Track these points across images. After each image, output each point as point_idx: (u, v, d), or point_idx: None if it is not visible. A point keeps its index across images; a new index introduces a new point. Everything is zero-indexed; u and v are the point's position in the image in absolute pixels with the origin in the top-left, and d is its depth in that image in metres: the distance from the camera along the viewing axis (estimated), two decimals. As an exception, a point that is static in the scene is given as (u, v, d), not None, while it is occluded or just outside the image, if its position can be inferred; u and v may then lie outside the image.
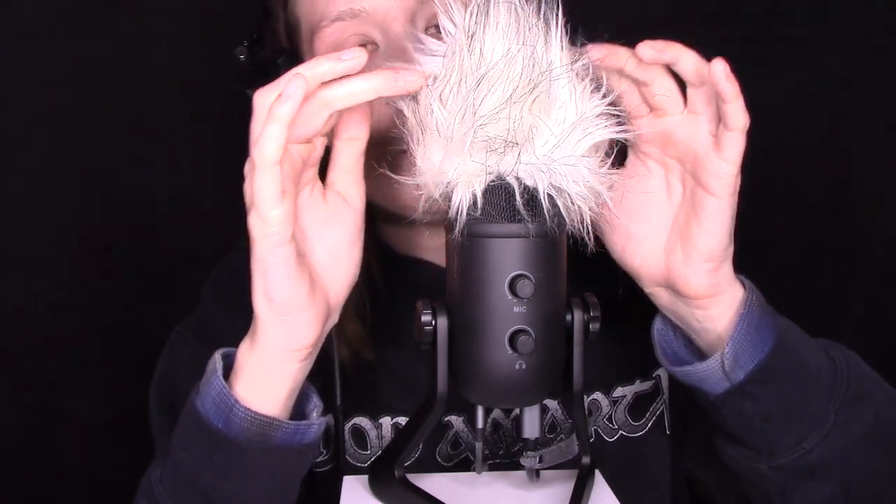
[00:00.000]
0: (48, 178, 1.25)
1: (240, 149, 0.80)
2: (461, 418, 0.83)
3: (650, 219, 0.66)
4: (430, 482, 0.70)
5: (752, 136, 0.60)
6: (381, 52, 0.75)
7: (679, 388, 0.84)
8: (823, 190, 1.38)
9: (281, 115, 0.56)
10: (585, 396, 0.82)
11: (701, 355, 0.68)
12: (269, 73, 0.78)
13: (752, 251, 0.71)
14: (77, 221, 1.27)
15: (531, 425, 0.65)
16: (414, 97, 0.59)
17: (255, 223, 0.58)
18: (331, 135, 0.63)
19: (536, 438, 0.65)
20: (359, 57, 0.58)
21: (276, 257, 0.59)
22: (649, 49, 0.60)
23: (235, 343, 0.68)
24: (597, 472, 0.70)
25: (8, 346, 1.27)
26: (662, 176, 0.66)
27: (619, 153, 0.62)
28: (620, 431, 0.85)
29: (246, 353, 0.64)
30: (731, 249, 0.65)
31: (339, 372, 0.78)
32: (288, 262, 0.59)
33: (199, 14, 1.23)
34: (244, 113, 0.77)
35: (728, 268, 0.66)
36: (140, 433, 0.86)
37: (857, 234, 1.39)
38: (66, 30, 1.23)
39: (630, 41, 0.61)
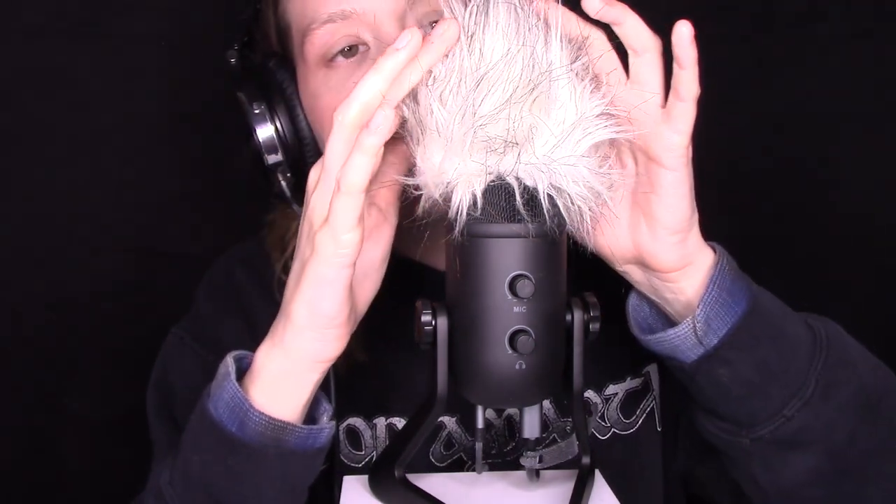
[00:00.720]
0: (47, 178, 1.25)
1: (239, 149, 0.80)
2: (454, 419, 0.83)
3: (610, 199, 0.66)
4: (430, 482, 0.70)
5: (752, 135, 0.60)
6: (371, 53, 0.75)
7: (670, 384, 0.85)
8: (822, 189, 1.38)
9: (369, 146, 0.56)
10: None
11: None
12: (259, 76, 0.78)
13: (749, 251, 0.71)
14: (76, 221, 1.27)
15: (531, 425, 0.65)
16: (414, 97, 0.59)
17: (325, 241, 0.58)
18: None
19: (537, 438, 0.65)
20: (413, 38, 0.57)
21: (337, 276, 0.59)
22: (597, 0, 0.59)
23: (231, 344, 0.68)
24: (597, 472, 0.70)
25: (8, 346, 1.27)
26: (613, 155, 0.65)
27: None
28: (613, 429, 0.85)
29: (266, 359, 0.64)
30: (696, 217, 0.65)
31: (333, 372, 0.78)
32: (347, 282, 0.60)
33: (199, 15, 1.23)
34: (242, 114, 0.77)
35: (695, 236, 0.65)
36: (140, 433, 0.86)
37: (857, 234, 1.39)
38: (66, 30, 1.23)
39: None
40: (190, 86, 1.24)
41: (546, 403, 0.83)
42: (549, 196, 0.57)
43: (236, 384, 0.64)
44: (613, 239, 0.66)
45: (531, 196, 0.57)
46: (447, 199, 0.58)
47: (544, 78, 0.56)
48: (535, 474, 0.71)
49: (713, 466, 0.79)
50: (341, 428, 0.83)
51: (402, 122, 0.60)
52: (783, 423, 0.65)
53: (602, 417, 0.85)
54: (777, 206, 1.36)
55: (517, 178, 0.57)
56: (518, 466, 0.68)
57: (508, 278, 0.58)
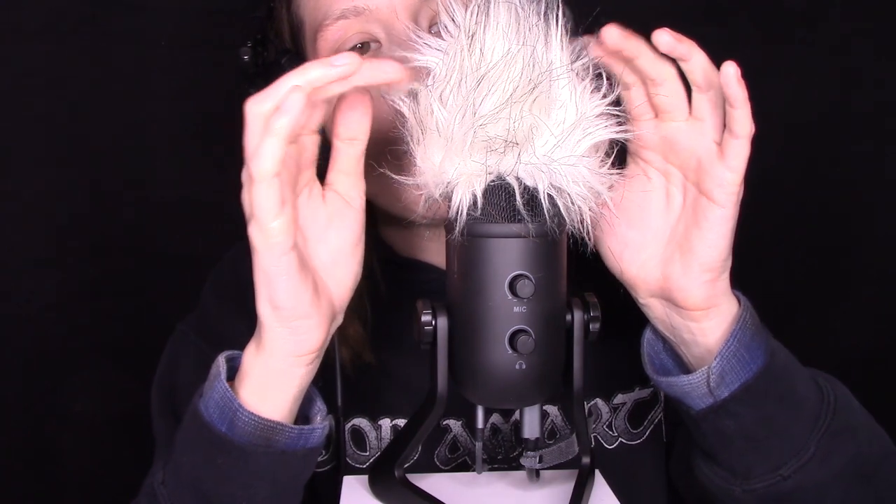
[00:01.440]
0: (48, 178, 1.25)
1: (240, 149, 0.80)
2: (460, 422, 0.83)
3: (648, 227, 0.65)
4: (429, 482, 0.70)
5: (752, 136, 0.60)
6: (383, 49, 0.75)
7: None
8: (823, 192, 1.38)
9: (279, 128, 0.55)
10: (586, 402, 0.82)
11: (687, 370, 0.68)
12: (272, 73, 0.78)
13: (748, 252, 0.71)
14: (77, 221, 1.27)
15: (531, 426, 0.65)
16: (414, 97, 0.59)
17: (255, 234, 0.57)
18: (329, 133, 0.63)
19: (537, 439, 0.65)
20: (351, 62, 0.57)
21: (279, 266, 0.58)
22: (667, 35, 0.58)
23: (237, 342, 0.68)
24: (597, 472, 0.70)
25: (8, 346, 1.27)
26: (663, 184, 0.65)
27: (618, 156, 0.61)
28: (620, 439, 0.85)
29: (252, 359, 0.64)
30: (729, 261, 0.64)
31: (340, 373, 0.78)
32: (291, 270, 0.59)
33: (200, 15, 1.23)
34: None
35: (725, 280, 0.65)
36: (140, 433, 0.86)
37: (857, 236, 1.40)
38: (67, 31, 1.23)
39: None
40: (191, 86, 1.24)
41: (553, 410, 0.83)
42: (550, 196, 0.57)
43: (226, 384, 0.64)
44: (642, 267, 0.66)
45: (531, 196, 0.57)
46: (447, 199, 0.58)
47: (545, 77, 0.56)
48: (535, 474, 0.71)
49: (696, 493, 0.78)
50: (346, 429, 0.83)
51: (403, 122, 0.60)
52: (778, 482, 0.65)
53: (609, 426, 0.84)
54: (775, 208, 1.36)
55: (517, 178, 0.57)
56: (525, 471, 0.68)
57: (508, 278, 0.58)
